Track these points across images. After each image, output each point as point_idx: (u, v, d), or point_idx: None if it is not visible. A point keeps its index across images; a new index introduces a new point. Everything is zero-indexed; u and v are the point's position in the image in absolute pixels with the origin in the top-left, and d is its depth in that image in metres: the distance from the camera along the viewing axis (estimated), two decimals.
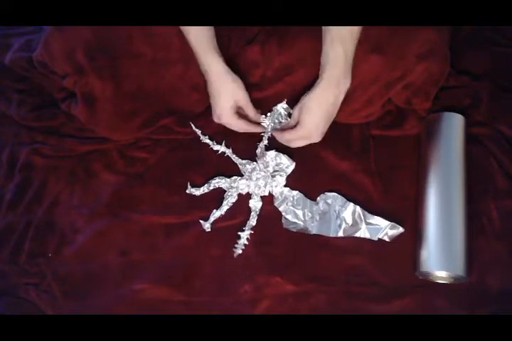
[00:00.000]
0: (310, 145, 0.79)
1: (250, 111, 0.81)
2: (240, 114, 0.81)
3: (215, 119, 0.81)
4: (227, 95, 0.77)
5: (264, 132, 0.82)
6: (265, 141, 0.82)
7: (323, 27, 0.74)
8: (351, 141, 0.84)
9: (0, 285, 0.76)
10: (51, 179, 0.84)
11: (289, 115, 0.82)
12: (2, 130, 0.89)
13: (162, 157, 0.85)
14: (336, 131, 0.84)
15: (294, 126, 0.78)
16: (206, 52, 0.77)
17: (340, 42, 0.72)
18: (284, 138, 0.80)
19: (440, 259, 0.70)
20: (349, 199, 0.78)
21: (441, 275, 0.70)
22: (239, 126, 0.81)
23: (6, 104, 0.88)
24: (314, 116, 0.75)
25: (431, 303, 0.72)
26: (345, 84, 0.75)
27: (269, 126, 0.82)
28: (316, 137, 0.77)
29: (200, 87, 0.82)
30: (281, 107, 0.83)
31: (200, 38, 0.77)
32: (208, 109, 0.84)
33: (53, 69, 0.81)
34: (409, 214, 0.77)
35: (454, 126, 0.80)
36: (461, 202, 0.74)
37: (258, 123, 0.83)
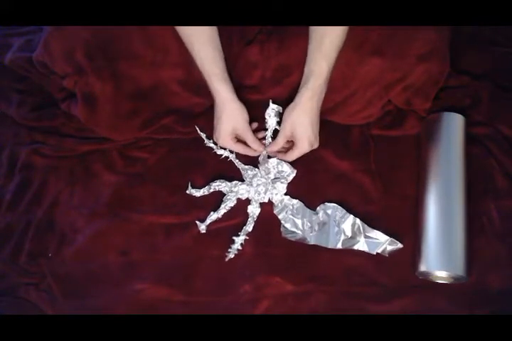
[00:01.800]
0: None
1: (248, 139, 0.80)
2: (239, 138, 0.81)
3: (215, 140, 0.81)
4: (227, 122, 0.78)
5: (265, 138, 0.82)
6: (268, 148, 0.82)
7: (309, 39, 0.75)
8: (351, 141, 0.84)
9: (0, 285, 0.76)
10: (51, 179, 0.84)
11: (279, 114, 0.81)
12: (2, 130, 0.89)
13: (162, 157, 0.85)
14: (336, 131, 0.84)
15: (292, 144, 0.78)
16: (214, 79, 0.77)
17: (323, 58, 0.74)
18: (287, 160, 0.80)
19: (440, 259, 0.70)
20: (349, 199, 0.78)
21: (441, 275, 0.70)
22: (236, 149, 0.81)
23: (6, 104, 0.88)
24: (308, 130, 0.76)
25: (431, 303, 0.72)
26: (325, 90, 0.76)
27: (268, 139, 0.82)
28: (315, 145, 0.78)
29: (201, 90, 0.81)
30: (271, 109, 0.81)
31: (208, 62, 0.77)
32: (208, 110, 0.84)
33: (53, 70, 0.81)
34: (409, 214, 0.77)
35: (454, 126, 0.80)
36: (461, 202, 0.74)
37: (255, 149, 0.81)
